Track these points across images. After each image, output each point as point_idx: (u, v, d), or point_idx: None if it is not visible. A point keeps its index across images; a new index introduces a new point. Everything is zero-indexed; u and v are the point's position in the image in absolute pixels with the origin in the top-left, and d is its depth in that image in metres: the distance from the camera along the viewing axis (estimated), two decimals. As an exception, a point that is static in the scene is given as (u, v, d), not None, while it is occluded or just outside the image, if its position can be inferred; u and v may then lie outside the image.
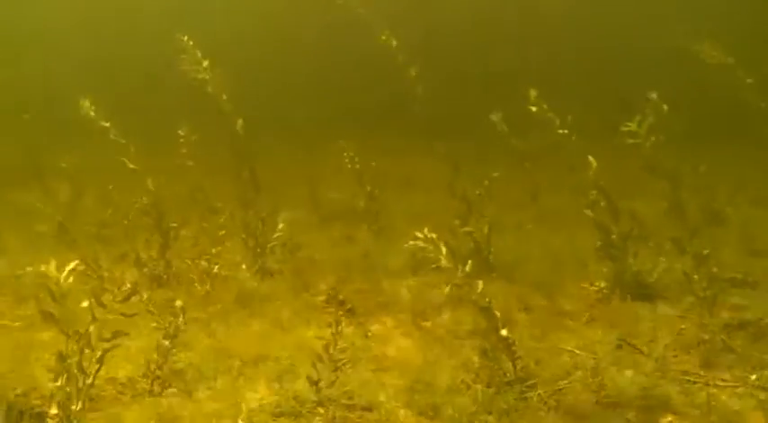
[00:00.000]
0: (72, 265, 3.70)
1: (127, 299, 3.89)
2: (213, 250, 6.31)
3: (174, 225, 7.21)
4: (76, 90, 6.84)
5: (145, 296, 4.65)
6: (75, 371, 3.71)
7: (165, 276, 6.65)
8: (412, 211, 9.07)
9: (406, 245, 4.71)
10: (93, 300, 3.75)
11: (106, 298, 3.83)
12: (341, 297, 6.11)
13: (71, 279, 3.67)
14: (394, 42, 7.67)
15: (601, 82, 12.53)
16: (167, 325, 4.63)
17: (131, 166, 6.72)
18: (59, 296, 3.63)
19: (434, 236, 4.66)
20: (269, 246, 7.05)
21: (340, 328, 5.38)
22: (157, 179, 7.26)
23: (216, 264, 6.35)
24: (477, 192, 7.35)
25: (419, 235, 4.68)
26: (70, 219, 8.32)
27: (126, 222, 7.99)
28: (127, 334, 4.07)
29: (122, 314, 3.85)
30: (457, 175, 7.29)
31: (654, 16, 14.38)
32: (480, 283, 4.58)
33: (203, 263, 6.32)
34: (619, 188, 6.64)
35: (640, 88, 5.88)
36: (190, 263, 6.48)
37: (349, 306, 5.91)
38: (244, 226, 7.16)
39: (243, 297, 6.02)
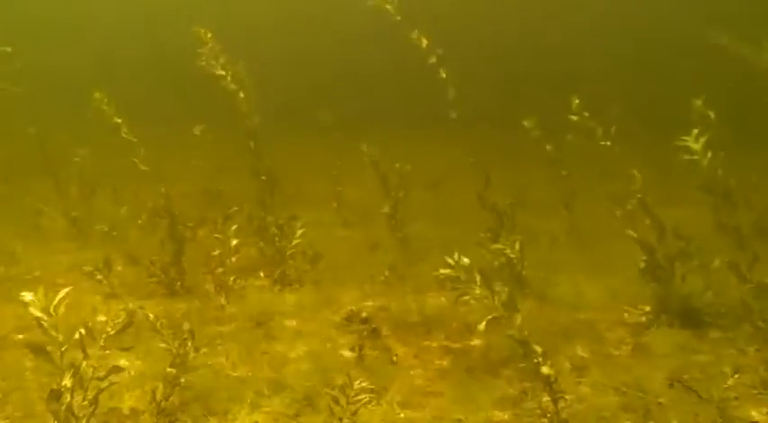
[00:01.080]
0: (62, 293, 3.29)
1: (122, 330, 3.48)
2: (228, 260, 5.89)
3: (191, 225, 6.87)
4: (93, 83, 6.48)
5: (151, 316, 4.19)
6: (68, 413, 3.31)
7: (178, 283, 6.27)
8: (440, 217, 8.67)
9: (435, 273, 4.26)
10: (84, 332, 3.33)
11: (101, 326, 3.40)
12: (364, 315, 5.69)
13: (62, 309, 3.25)
14: (424, 42, 7.21)
15: (639, 86, 11.99)
16: (176, 348, 4.23)
17: (143, 167, 6.32)
18: (50, 327, 3.22)
19: (466, 261, 4.23)
20: (288, 253, 6.66)
21: (363, 351, 5.03)
22: (171, 180, 6.92)
23: (232, 276, 5.94)
24: (509, 201, 6.91)
25: (450, 261, 4.25)
26: (82, 217, 7.98)
27: (140, 222, 7.71)
28: (123, 369, 3.67)
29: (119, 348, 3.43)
30: (487, 184, 6.81)
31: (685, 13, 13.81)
32: (519, 317, 4.14)
33: (218, 271, 5.90)
34: (662, 200, 6.18)
35: (680, 91, 5.42)
36: (204, 271, 6.07)
37: (373, 326, 5.49)
38: (261, 231, 6.78)
39: (259, 312, 5.62)
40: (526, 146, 8.04)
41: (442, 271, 4.24)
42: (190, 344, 4.12)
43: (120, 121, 6.29)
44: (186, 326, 4.16)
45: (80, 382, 3.30)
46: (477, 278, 4.19)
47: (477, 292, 4.17)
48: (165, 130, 10.95)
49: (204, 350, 4.72)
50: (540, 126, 7.76)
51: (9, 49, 7.36)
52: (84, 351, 3.34)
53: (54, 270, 6.79)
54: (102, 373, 3.46)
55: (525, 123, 7.74)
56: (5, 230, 7.85)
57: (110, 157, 9.10)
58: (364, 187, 9.21)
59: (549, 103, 9.23)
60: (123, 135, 6.30)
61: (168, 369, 4.08)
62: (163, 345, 4.59)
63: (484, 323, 4.16)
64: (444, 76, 7.05)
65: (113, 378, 3.55)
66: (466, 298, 4.21)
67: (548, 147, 8.05)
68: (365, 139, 7.80)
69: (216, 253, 5.93)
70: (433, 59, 7.02)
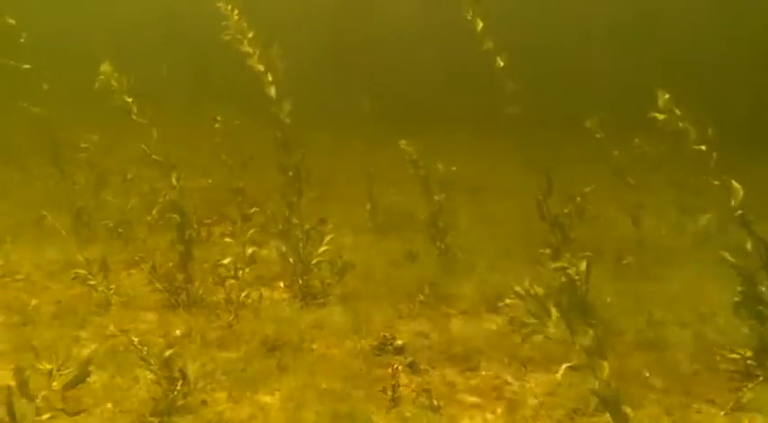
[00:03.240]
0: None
1: (74, 385, 2.58)
2: (241, 271, 4.98)
3: (208, 222, 6.01)
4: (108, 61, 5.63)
5: (136, 340, 3.30)
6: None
7: (183, 293, 5.39)
8: (484, 226, 7.69)
9: (501, 304, 3.34)
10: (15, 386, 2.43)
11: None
12: (399, 342, 4.76)
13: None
14: (479, 24, 6.25)
15: (724, 83, 10.83)
16: (166, 389, 3.34)
17: (154, 156, 5.46)
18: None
19: (540, 291, 3.30)
20: (313, 262, 5.74)
21: (398, 392, 4.09)
22: (188, 171, 6.07)
23: (246, 288, 5.04)
24: (566, 210, 5.93)
25: (518, 289, 3.32)
26: (87, 210, 7.14)
27: (149, 219, 6.87)
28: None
29: (64, 410, 2.54)
30: (549, 190, 5.84)
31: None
32: (606, 366, 3.18)
33: (229, 283, 5.00)
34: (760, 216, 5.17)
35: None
36: (212, 282, 5.19)
37: (410, 358, 4.55)
38: (284, 235, 5.86)
39: (274, 334, 4.70)
40: (588, 149, 7.07)
41: (507, 301, 3.34)
42: (180, 385, 3.21)
43: (130, 100, 5.44)
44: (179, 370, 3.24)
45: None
46: (553, 313, 3.27)
47: (552, 330, 3.24)
48: (186, 115, 10.11)
49: (200, 385, 3.80)
50: (605, 128, 6.75)
51: (12, 21, 6.51)
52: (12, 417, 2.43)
53: (47, 271, 5.97)
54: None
55: (588, 124, 6.73)
56: (3, 224, 7.05)
57: (123, 144, 8.33)
58: (402, 189, 8.28)
59: (617, 104, 8.28)
60: (133, 117, 5.45)
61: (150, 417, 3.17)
62: (151, 376, 3.73)
63: (561, 372, 3.21)
64: (502, 64, 6.10)
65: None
66: (538, 337, 3.28)
67: (615, 152, 7.10)
68: (405, 135, 6.87)
69: (227, 261, 5.02)
70: (489, 45, 6.08)
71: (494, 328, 5.15)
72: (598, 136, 6.70)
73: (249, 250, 4.99)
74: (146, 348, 3.76)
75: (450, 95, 12.23)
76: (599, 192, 7.42)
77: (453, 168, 6.84)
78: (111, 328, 4.61)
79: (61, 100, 7.10)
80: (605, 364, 3.17)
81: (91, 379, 3.87)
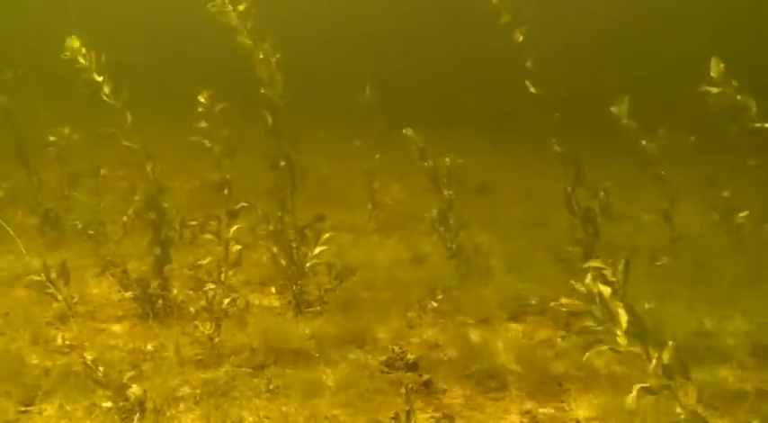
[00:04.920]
0: None
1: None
2: (225, 274, 4.21)
3: (193, 223, 5.28)
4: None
5: (89, 358, 2.55)
6: None
7: (158, 302, 4.64)
8: (496, 225, 6.95)
9: (553, 304, 2.64)
10: None
11: None
12: (411, 357, 4.01)
13: None
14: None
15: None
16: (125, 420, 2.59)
17: (125, 142, 4.74)
18: None
19: (606, 290, 2.59)
20: (308, 265, 5.00)
21: (413, 419, 3.34)
22: (168, 162, 5.34)
23: (232, 294, 4.29)
24: (591, 205, 5.25)
25: (578, 286, 2.61)
26: (56, 210, 6.39)
27: (125, 219, 6.13)
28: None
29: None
30: (578, 180, 5.13)
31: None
32: (694, 392, 2.46)
33: (211, 289, 4.23)
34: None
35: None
36: (192, 288, 4.44)
37: (425, 376, 3.81)
38: (276, 234, 5.11)
39: (263, 348, 3.95)
40: (613, 138, 6.34)
41: (563, 301, 2.65)
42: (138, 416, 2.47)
43: (101, 79, 4.73)
44: (134, 391, 2.49)
45: None
46: (623, 319, 2.56)
47: (623, 341, 2.53)
48: (168, 103, 9.30)
49: (170, 413, 3.05)
50: (633, 114, 6.03)
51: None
52: None
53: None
54: None
55: (613, 110, 6.00)
56: (-40, 225, 6.28)
57: (98, 138, 7.56)
58: (407, 185, 7.56)
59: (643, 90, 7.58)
60: (104, 98, 4.73)
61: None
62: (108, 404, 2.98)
63: (634, 393, 2.48)
64: (521, 38, 5.39)
65: None
66: (602, 348, 2.57)
67: (643, 142, 6.37)
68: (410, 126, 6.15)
69: (206, 261, 4.27)
70: (506, 18, 5.38)
71: (520, 339, 4.42)
72: (625, 122, 5.98)
73: (234, 248, 4.20)
74: (102, 369, 3.01)
75: (461, 88, 11.52)
76: (624, 184, 6.72)
77: (461, 161, 6.12)
78: (68, 343, 3.86)
79: (29, 89, 6.39)
80: (692, 387, 2.44)
81: (35, 407, 3.14)
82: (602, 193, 5.38)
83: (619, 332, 2.52)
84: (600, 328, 2.55)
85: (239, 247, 4.27)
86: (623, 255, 4.61)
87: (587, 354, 2.60)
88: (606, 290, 2.55)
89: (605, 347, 2.53)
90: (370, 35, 12.61)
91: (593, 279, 2.63)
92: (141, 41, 11.67)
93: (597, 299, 2.55)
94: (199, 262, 4.35)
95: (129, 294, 4.60)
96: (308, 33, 11.77)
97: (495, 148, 10.45)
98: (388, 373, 3.89)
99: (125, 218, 6.12)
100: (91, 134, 6.88)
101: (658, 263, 5.79)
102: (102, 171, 6.06)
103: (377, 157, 7.07)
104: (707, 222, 6.87)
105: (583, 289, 2.58)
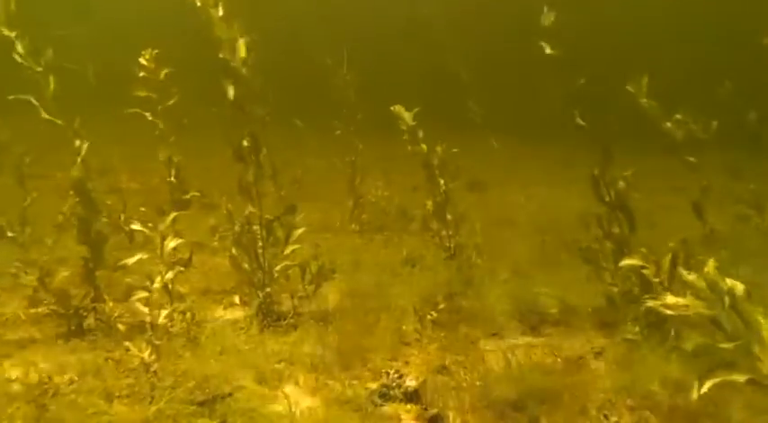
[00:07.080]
0: None
1: None
2: (161, 278, 3.19)
3: (151, 224, 4.30)
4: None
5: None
6: None
7: (88, 318, 3.65)
8: (500, 223, 6.05)
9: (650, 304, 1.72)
10: None
11: None
12: (411, 383, 3.06)
13: None
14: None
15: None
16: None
17: (45, 115, 3.81)
18: None
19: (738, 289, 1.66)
20: (277, 268, 4.04)
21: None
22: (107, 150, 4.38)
23: (180, 304, 3.31)
24: (609, 195, 4.38)
25: (690, 276, 1.70)
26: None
27: (60, 218, 5.14)
28: None
29: None
30: (608, 161, 4.23)
31: None
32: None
33: (139, 297, 3.22)
34: None
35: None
36: (116, 303, 3.46)
37: (432, 410, 2.86)
38: (238, 234, 4.14)
39: (212, 380, 2.97)
40: (629, 122, 5.47)
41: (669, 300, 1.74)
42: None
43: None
44: None
45: None
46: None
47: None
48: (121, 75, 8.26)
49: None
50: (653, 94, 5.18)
51: None
52: None
53: None
54: None
55: (630, 88, 5.13)
56: None
57: (35, 129, 6.55)
58: (392, 181, 6.64)
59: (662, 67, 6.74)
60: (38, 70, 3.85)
61: None
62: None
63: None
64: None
65: None
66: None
67: (667, 123, 5.51)
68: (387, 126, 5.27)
69: (134, 259, 3.28)
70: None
71: (542, 358, 3.49)
72: (644, 101, 5.12)
73: (172, 244, 3.19)
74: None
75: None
76: (646, 172, 5.86)
77: (454, 150, 5.22)
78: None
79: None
80: None
81: None
82: (622, 182, 4.50)
83: (762, 355, 1.58)
84: (728, 345, 1.62)
85: (180, 241, 3.26)
86: (663, 251, 3.79)
87: (706, 385, 1.66)
88: (739, 287, 1.62)
89: (739, 378, 1.59)
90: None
91: (707, 273, 1.73)
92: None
93: (725, 301, 1.61)
94: (123, 262, 3.33)
95: (41, 310, 3.58)
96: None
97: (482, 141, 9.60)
98: (382, 405, 2.93)
99: (60, 217, 5.13)
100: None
101: (691, 261, 4.92)
102: (27, 160, 5.00)
103: (360, 147, 6.13)
104: (729, 217, 6.04)
105: (699, 283, 1.64)
